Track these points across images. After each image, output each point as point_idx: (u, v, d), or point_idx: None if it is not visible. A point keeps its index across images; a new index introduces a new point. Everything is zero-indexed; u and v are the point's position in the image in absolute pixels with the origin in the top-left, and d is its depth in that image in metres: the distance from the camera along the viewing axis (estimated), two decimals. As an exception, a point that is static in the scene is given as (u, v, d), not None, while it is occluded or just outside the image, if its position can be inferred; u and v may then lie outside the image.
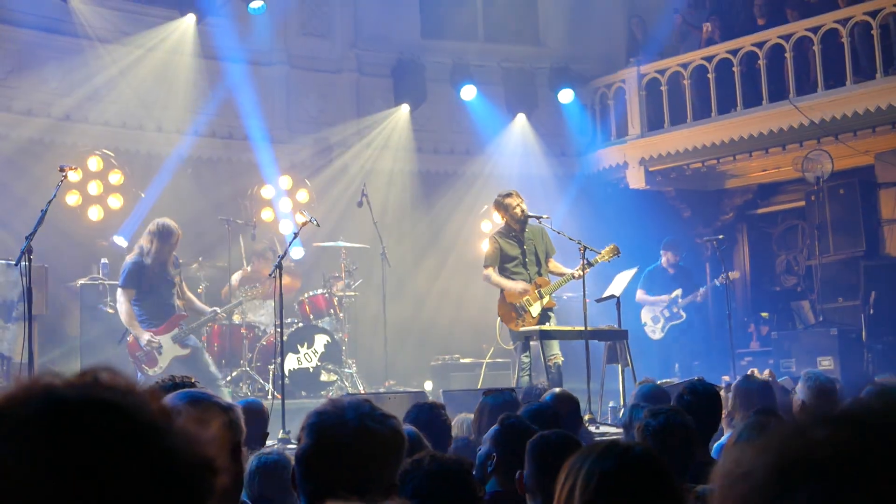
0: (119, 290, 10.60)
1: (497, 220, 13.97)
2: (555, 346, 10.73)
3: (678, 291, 14.11)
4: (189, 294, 11.09)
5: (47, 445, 0.95)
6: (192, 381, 4.11)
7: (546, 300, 10.92)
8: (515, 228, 11.09)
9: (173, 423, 1.02)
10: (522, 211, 10.99)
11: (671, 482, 2.69)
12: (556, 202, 15.34)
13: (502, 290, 11.01)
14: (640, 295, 14.18)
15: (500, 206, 11.18)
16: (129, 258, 10.64)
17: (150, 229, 10.64)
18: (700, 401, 5.48)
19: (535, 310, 10.85)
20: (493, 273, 11.03)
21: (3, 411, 0.98)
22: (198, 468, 1.01)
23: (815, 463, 0.92)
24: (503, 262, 11.03)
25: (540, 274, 11.02)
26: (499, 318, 11.22)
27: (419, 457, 3.34)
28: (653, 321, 14.23)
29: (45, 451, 0.95)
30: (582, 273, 10.53)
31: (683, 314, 14.09)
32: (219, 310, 11.20)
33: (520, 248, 11.04)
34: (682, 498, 2.70)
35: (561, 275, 11.04)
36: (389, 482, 2.63)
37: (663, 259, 14.34)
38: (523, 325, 10.78)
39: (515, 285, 10.85)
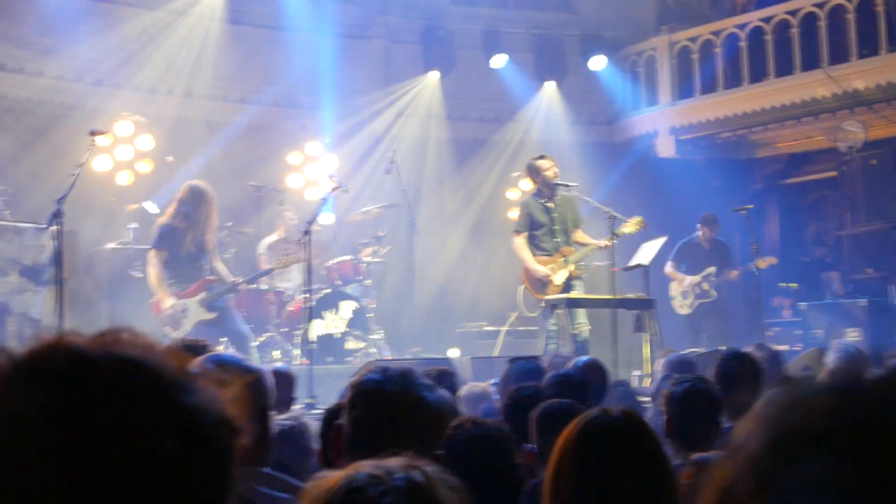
0: (151, 252, 10.59)
1: (525, 187, 14.12)
2: (581, 316, 10.73)
3: (711, 269, 13.76)
4: (219, 262, 11.06)
5: (70, 400, 0.96)
6: (204, 344, 4.13)
7: (571, 268, 10.90)
8: (546, 194, 11.05)
9: (194, 381, 1.03)
10: (555, 173, 10.95)
11: (653, 445, 2.70)
12: (585, 170, 15.28)
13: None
14: (668, 269, 13.86)
15: (532, 169, 11.15)
16: (163, 220, 10.64)
17: (183, 191, 10.62)
18: (737, 369, 5.42)
19: (559, 278, 10.85)
20: (521, 244, 11.01)
21: (26, 367, 0.99)
22: (219, 426, 1.02)
23: (814, 435, 0.86)
24: (531, 229, 11.01)
25: (567, 243, 10.99)
26: (521, 286, 11.21)
27: (459, 421, 3.36)
28: (682, 296, 13.97)
29: (68, 405, 0.96)
30: (608, 244, 10.52)
31: (714, 293, 13.72)
32: (240, 279, 11.14)
33: (548, 216, 11.01)
34: (666, 462, 2.72)
35: (587, 245, 11.01)
36: (436, 451, 2.66)
37: (699, 233, 14.00)
38: (546, 294, 10.78)
39: (538, 269, 10.84)
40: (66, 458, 0.94)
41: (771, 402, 0.92)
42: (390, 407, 2.64)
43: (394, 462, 1.43)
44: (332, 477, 1.44)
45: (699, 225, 13.92)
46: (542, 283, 10.87)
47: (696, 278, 13.69)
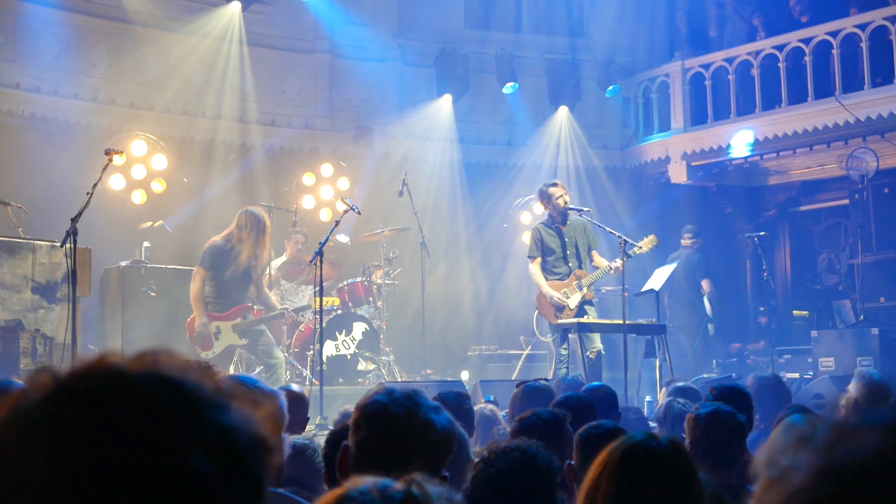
0: (197, 268, 10.67)
1: (538, 212, 14.25)
2: (595, 340, 10.75)
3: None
4: (266, 290, 11.07)
5: (110, 420, 0.98)
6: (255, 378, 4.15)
7: (585, 292, 10.93)
8: (557, 220, 11.11)
9: (231, 401, 1.05)
10: (565, 202, 11.01)
11: (693, 477, 2.72)
12: (598, 195, 15.33)
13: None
14: (707, 286, 14.03)
15: (544, 195, 11.19)
16: (217, 239, 10.70)
17: (242, 218, 10.63)
18: (728, 399, 5.44)
19: (574, 301, 10.88)
20: (535, 269, 11.06)
21: (68, 387, 1.02)
22: (254, 446, 1.04)
23: (866, 471, 0.88)
24: (544, 255, 11.07)
25: (581, 267, 11.03)
26: (536, 311, 11.22)
27: (513, 444, 3.37)
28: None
29: (109, 425, 0.98)
30: (620, 265, 10.54)
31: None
32: (289, 308, 11.18)
33: (560, 241, 11.07)
34: (702, 496, 2.74)
35: (600, 267, 11.03)
36: (441, 473, 2.66)
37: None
38: (562, 318, 10.81)
39: (552, 294, 10.88)
40: (106, 477, 0.96)
41: (817, 432, 0.93)
42: (395, 429, 2.65)
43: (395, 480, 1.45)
44: (333, 492, 1.48)
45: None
46: (557, 308, 10.90)
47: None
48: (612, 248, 11.31)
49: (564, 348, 10.74)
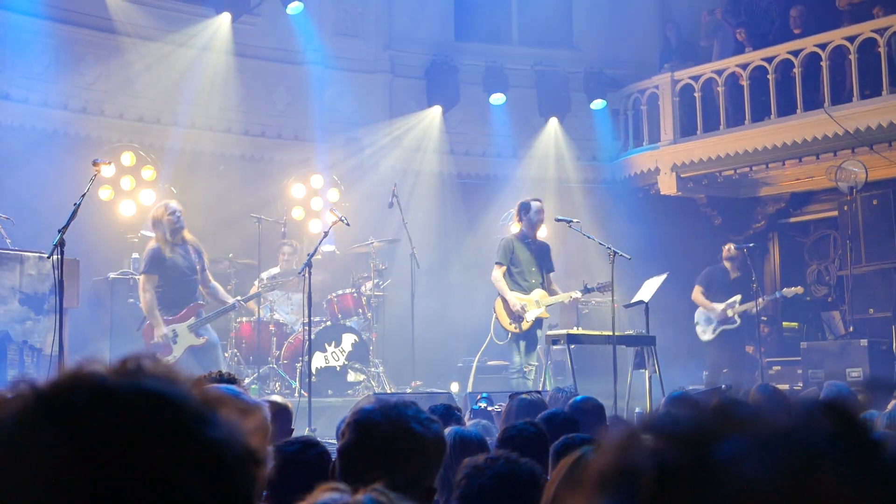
0: (141, 277, 10.62)
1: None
2: (534, 358, 11.45)
3: (737, 297, 13.79)
4: (214, 283, 11.05)
5: (93, 434, 0.96)
6: (235, 377, 4.11)
7: (542, 311, 11.44)
8: (530, 236, 11.61)
9: (217, 413, 1.02)
10: (540, 220, 11.54)
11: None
12: (588, 207, 15.33)
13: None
14: (696, 294, 13.95)
15: (526, 207, 11.64)
16: (150, 244, 10.71)
17: (155, 213, 10.67)
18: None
19: (531, 315, 11.35)
20: (501, 276, 11.51)
21: (51, 399, 0.99)
22: (242, 459, 1.02)
23: (625, 473, 0.87)
24: (511, 265, 11.51)
25: (540, 285, 11.52)
26: (494, 316, 11.75)
27: (495, 455, 3.36)
28: (705, 322, 14.00)
29: (91, 439, 0.95)
30: (578, 297, 11.50)
31: (738, 319, 13.77)
32: (240, 299, 11.17)
33: (529, 257, 11.54)
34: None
35: (558, 294, 11.59)
36: (428, 486, 2.65)
37: (727, 263, 14.15)
38: (516, 329, 11.29)
39: (516, 302, 11.33)
40: (88, 493, 0.93)
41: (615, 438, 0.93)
42: (377, 437, 2.65)
43: (357, 493, 1.45)
44: None
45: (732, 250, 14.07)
46: (516, 317, 11.30)
47: (722, 306, 13.75)
48: (601, 260, 11.34)
49: (518, 357, 11.35)
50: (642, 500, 0.83)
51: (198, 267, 10.73)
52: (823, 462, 0.81)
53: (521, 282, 11.50)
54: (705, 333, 13.87)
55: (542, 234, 12.41)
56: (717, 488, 0.81)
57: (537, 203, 11.64)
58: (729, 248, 14.19)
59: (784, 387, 12.55)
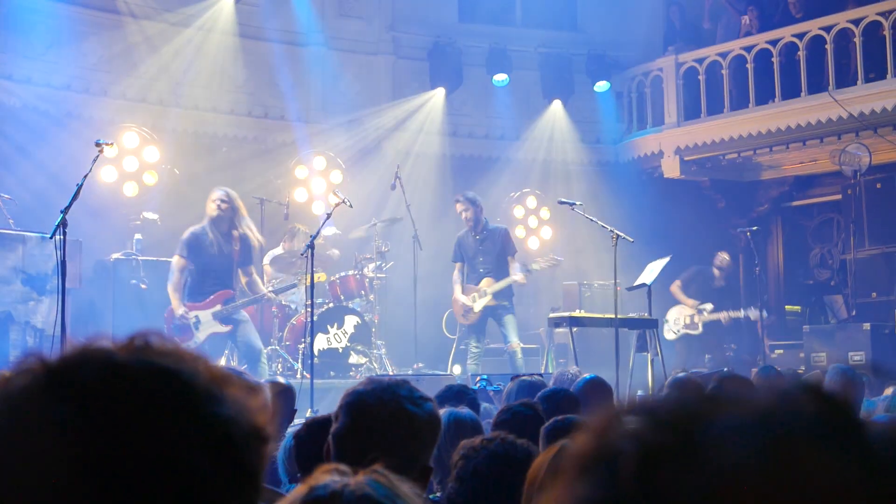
0: (175, 258, 10.71)
1: (531, 206, 14.91)
2: (513, 335, 12.02)
3: (708, 306, 13.85)
4: (255, 276, 11.10)
5: (101, 410, 0.96)
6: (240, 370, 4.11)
7: (488, 298, 11.98)
8: (475, 229, 12.21)
9: (225, 390, 1.02)
10: (466, 218, 12.18)
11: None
12: (591, 189, 15.30)
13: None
14: (674, 287, 13.93)
15: (475, 204, 12.30)
16: (192, 228, 10.74)
17: (212, 198, 10.69)
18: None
19: (478, 306, 12.04)
20: (455, 275, 12.37)
21: (60, 375, 0.99)
22: (250, 436, 1.02)
23: (605, 456, 0.85)
24: (462, 261, 12.36)
25: (491, 274, 12.06)
26: (449, 310, 12.74)
27: (490, 436, 3.36)
28: (673, 322, 14.04)
29: (99, 415, 0.95)
30: (522, 279, 11.94)
31: (701, 328, 13.82)
32: (266, 293, 11.17)
33: (475, 249, 12.18)
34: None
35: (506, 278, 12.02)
36: (424, 465, 2.65)
37: (716, 271, 14.18)
38: (466, 320, 12.17)
39: (458, 298, 12.21)
40: (96, 469, 0.93)
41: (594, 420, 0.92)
42: (369, 417, 2.64)
43: (356, 474, 1.45)
44: (299, 488, 1.47)
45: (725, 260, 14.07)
46: (465, 310, 12.09)
47: (694, 307, 13.77)
48: (605, 242, 11.31)
49: (475, 346, 12.05)
50: (622, 483, 0.82)
51: (237, 258, 10.72)
52: (805, 444, 0.81)
53: (471, 274, 12.24)
54: (668, 333, 13.89)
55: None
56: (700, 470, 0.80)
57: (457, 204, 12.35)
58: (723, 257, 14.20)
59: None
